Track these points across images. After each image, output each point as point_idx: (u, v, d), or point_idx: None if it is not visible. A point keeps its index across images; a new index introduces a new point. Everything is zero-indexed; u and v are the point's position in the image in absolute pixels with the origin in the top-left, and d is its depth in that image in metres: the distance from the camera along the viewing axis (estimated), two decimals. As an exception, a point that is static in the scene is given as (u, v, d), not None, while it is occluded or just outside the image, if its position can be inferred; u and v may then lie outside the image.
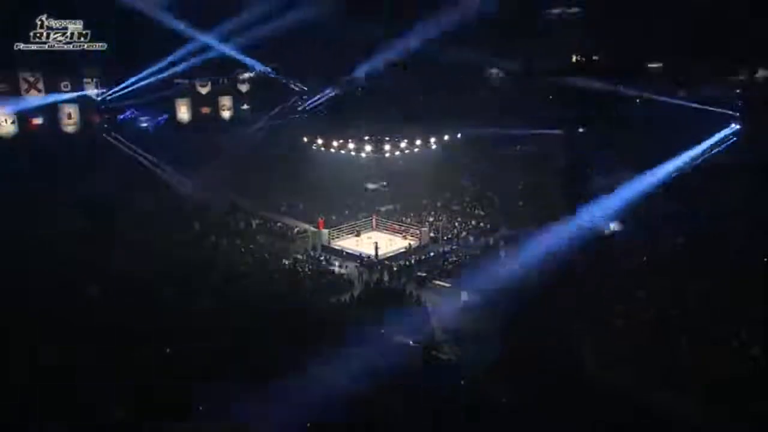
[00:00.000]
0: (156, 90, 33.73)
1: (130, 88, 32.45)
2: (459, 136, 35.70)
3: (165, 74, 32.96)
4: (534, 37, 37.42)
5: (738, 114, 34.42)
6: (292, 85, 39.29)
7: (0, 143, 30.08)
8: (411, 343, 19.79)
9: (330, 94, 39.06)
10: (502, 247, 31.47)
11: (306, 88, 39.49)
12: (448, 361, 20.31)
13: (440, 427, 15.74)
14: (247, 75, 38.23)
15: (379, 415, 15.95)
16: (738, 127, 34.32)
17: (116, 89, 32.29)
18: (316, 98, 39.48)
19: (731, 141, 34.45)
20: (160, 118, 35.25)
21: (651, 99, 34.99)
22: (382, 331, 20.99)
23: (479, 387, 17.78)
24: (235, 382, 16.87)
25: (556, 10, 38.27)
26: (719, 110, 34.26)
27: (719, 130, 34.62)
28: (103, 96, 32.04)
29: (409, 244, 32.84)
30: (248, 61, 36.63)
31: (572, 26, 37.32)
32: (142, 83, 32.47)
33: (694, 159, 33.77)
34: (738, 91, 35.51)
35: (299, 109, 39.49)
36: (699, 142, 34.28)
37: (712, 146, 34.45)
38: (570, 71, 36.82)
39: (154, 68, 32.07)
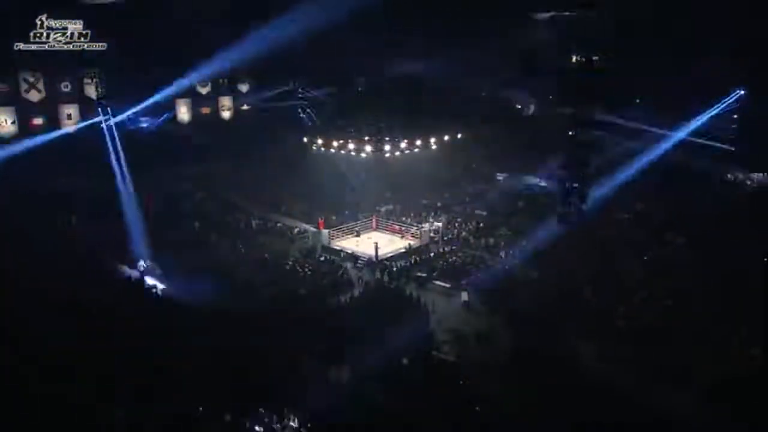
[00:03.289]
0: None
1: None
2: (459, 136, 35.71)
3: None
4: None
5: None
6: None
7: (0, 144, 30.08)
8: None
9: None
10: (502, 247, 31.52)
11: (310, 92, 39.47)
12: (448, 361, 20.33)
13: (440, 427, 15.73)
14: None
15: (379, 416, 15.94)
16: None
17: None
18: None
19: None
20: (160, 119, 35.24)
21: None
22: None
23: (479, 387, 17.78)
24: (234, 383, 16.90)
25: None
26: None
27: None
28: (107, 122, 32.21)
29: (409, 244, 32.84)
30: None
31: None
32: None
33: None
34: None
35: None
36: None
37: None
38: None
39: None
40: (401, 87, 36.46)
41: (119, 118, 32.36)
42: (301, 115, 39.58)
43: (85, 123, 32.13)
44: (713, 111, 33.43)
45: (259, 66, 35.51)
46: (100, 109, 31.55)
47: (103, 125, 31.51)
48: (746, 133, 32.86)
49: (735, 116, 34.11)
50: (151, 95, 33.09)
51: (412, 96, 36.53)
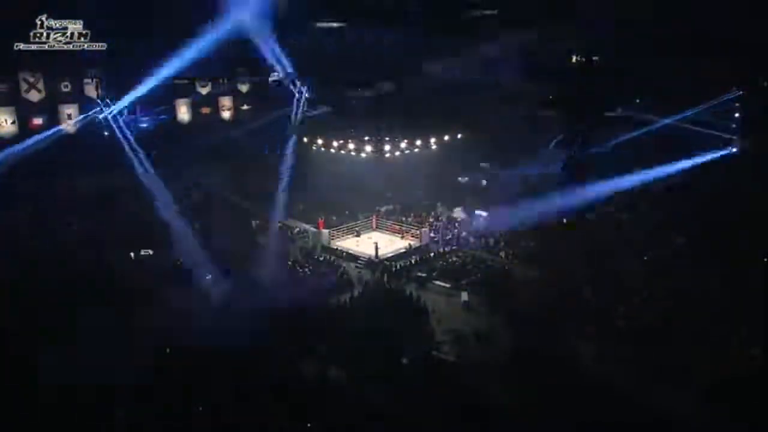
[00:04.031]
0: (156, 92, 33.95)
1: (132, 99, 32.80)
2: (459, 136, 35.67)
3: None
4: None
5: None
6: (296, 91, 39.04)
7: (0, 144, 30.10)
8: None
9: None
10: (502, 247, 31.55)
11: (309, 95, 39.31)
12: (448, 361, 20.33)
13: (440, 427, 15.75)
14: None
15: (379, 415, 15.96)
16: (735, 149, 33.55)
17: (118, 106, 32.48)
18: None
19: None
20: (160, 119, 35.24)
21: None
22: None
23: (479, 387, 17.79)
24: (234, 383, 16.93)
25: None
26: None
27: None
28: (105, 114, 32.21)
29: (409, 244, 32.83)
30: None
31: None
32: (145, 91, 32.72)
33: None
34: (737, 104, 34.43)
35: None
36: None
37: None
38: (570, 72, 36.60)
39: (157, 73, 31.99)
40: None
41: (116, 108, 32.44)
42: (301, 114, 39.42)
43: (83, 116, 32.14)
44: (705, 108, 33.31)
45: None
46: (99, 101, 31.71)
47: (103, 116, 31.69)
48: (747, 132, 32.88)
49: (736, 115, 33.98)
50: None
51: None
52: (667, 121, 33.02)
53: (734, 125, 33.55)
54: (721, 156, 32.89)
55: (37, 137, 30.75)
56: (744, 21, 30.83)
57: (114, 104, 32.02)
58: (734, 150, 33.13)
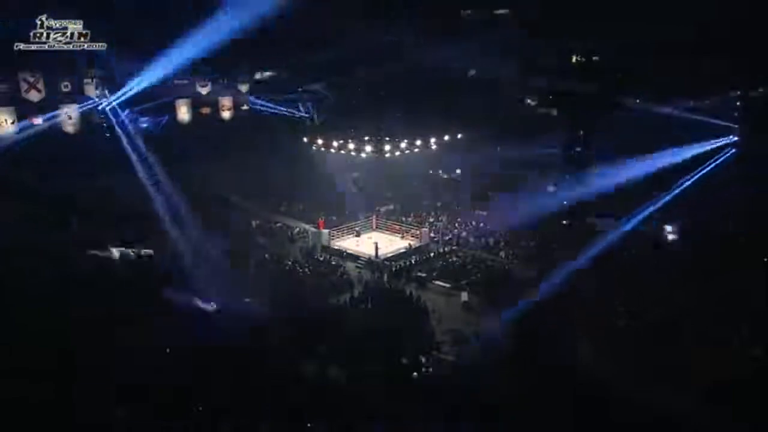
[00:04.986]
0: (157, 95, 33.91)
1: (131, 93, 32.65)
2: (459, 136, 35.65)
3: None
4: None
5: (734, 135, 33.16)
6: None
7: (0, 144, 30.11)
8: None
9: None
10: (502, 247, 31.56)
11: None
12: (448, 361, 20.32)
13: (441, 426, 15.74)
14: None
15: (379, 415, 15.95)
16: (735, 138, 33.68)
17: (117, 96, 32.39)
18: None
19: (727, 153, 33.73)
20: (162, 120, 35.25)
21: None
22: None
23: (480, 386, 17.77)
24: (234, 383, 16.92)
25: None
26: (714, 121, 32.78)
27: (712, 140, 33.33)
28: (104, 105, 32.19)
29: (409, 244, 32.83)
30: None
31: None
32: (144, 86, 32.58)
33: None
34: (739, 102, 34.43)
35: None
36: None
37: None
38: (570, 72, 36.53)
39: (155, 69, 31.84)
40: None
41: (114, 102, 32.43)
42: (302, 112, 39.40)
43: (81, 107, 32.10)
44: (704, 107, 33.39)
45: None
46: (98, 90, 31.72)
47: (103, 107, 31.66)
48: (746, 132, 32.96)
49: (735, 114, 34.03)
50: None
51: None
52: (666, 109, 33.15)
53: (735, 124, 33.66)
54: (721, 153, 33.02)
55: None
56: (744, 21, 30.84)
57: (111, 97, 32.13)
58: (733, 150, 33.21)
